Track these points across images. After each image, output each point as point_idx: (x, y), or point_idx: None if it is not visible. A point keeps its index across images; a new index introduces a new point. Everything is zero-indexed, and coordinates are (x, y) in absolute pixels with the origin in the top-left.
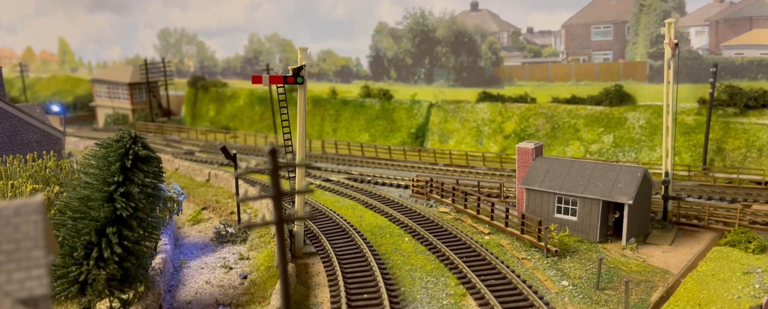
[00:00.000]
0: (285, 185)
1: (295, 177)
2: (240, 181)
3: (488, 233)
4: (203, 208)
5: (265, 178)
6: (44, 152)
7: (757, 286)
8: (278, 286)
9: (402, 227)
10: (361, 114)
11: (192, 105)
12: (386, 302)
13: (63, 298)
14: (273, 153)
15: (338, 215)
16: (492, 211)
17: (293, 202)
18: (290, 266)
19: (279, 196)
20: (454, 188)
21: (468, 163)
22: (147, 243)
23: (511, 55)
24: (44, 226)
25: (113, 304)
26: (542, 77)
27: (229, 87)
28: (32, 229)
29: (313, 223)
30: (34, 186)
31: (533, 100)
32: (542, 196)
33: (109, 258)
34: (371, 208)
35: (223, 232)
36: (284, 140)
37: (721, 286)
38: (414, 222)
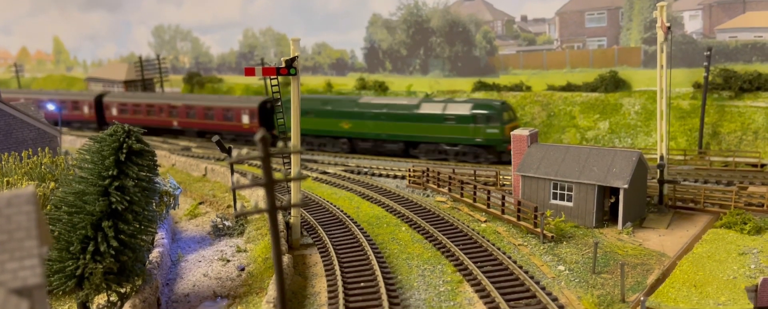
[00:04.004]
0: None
1: (290, 166)
2: (236, 175)
3: (485, 221)
4: (200, 203)
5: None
6: (39, 149)
7: (752, 266)
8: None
9: (399, 217)
10: None
11: None
12: (383, 290)
13: (60, 292)
14: (264, 140)
15: (335, 207)
16: (488, 199)
17: (289, 192)
18: (287, 257)
19: (271, 184)
20: (450, 177)
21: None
22: (143, 236)
23: (505, 44)
24: (37, 216)
25: (111, 298)
26: (537, 65)
27: (224, 82)
28: (25, 220)
29: (311, 214)
30: (30, 182)
31: (529, 89)
32: (538, 182)
33: (105, 252)
34: (368, 199)
35: (220, 226)
36: (279, 132)
37: (716, 267)
38: (411, 212)
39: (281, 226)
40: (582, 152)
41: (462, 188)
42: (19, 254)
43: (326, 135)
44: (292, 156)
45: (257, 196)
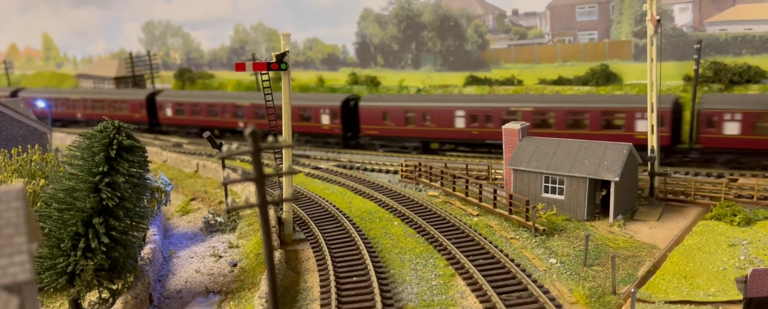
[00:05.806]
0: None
1: (281, 160)
2: (226, 170)
3: (477, 215)
4: (192, 199)
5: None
6: (29, 146)
7: (742, 257)
8: None
9: (391, 212)
10: None
11: None
12: (375, 284)
13: (52, 290)
14: (253, 135)
15: (328, 202)
16: (480, 193)
17: (281, 187)
18: (279, 252)
19: (262, 179)
20: (442, 172)
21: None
22: (135, 233)
23: (496, 38)
24: (26, 212)
25: (102, 295)
26: (529, 59)
27: (215, 78)
28: (13, 216)
29: (303, 210)
30: (20, 179)
31: (520, 83)
32: (529, 176)
33: (96, 248)
34: (360, 194)
35: (212, 222)
36: (270, 126)
37: (706, 259)
38: (403, 206)
39: (273, 222)
40: (573, 145)
41: (454, 182)
42: (8, 250)
43: None
44: (283, 151)
45: (249, 192)
